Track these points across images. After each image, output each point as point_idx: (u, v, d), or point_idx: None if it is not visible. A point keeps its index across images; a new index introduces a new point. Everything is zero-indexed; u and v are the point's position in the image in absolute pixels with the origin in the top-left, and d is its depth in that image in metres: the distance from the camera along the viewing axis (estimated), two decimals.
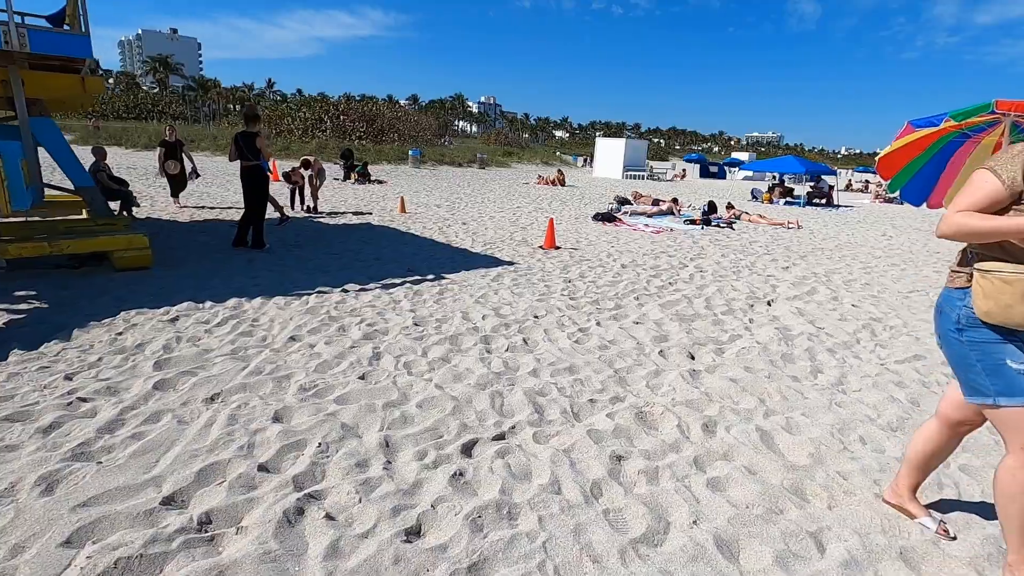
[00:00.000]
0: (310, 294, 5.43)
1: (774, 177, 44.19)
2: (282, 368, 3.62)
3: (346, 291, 5.63)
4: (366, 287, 5.82)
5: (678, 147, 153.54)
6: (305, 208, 11.69)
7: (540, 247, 8.71)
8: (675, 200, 14.72)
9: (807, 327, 5.04)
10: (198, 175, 11.42)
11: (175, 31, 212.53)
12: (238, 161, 7.25)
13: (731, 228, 12.30)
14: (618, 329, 4.75)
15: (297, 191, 11.81)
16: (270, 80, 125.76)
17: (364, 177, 20.77)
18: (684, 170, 44.31)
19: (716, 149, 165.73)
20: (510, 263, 7.41)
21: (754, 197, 21.50)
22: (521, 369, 3.80)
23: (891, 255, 9.67)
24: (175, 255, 6.93)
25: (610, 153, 36.44)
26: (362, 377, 3.55)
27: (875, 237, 12.10)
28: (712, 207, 14.29)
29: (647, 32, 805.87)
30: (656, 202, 16.45)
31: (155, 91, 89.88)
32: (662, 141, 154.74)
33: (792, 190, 22.18)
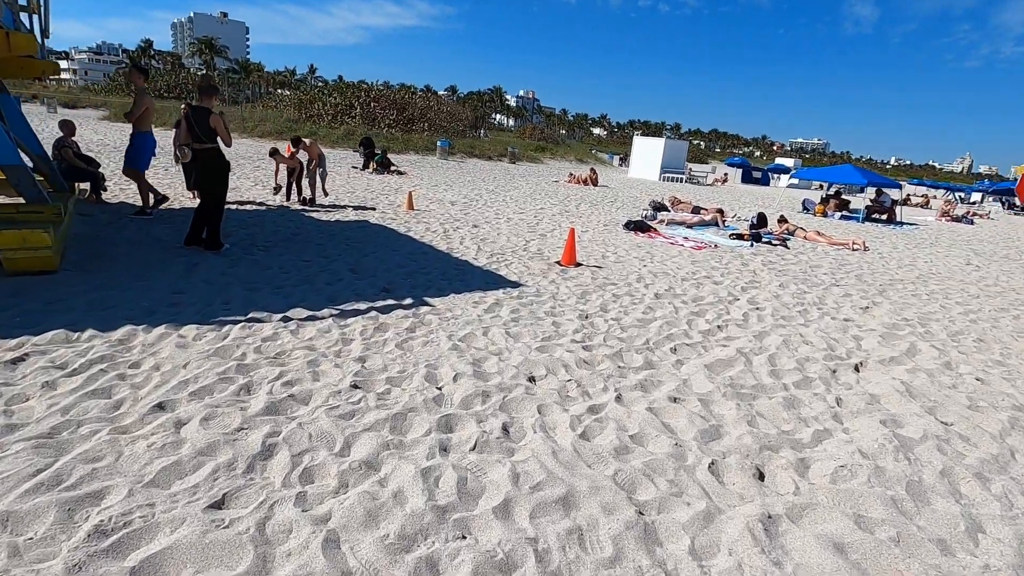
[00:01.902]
0: (236, 323, 4.09)
1: (821, 186, 41.61)
2: (100, 474, 2.26)
3: (287, 319, 4.27)
4: (317, 314, 4.45)
5: (718, 150, 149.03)
6: (301, 199, 10.43)
7: (557, 263, 7.23)
8: (720, 211, 12.99)
9: (927, 421, 3.45)
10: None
11: (225, 15, 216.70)
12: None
13: (785, 246, 10.57)
14: (646, 412, 3.25)
15: (294, 179, 10.54)
16: (312, 66, 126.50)
17: (383, 167, 19.57)
18: (726, 174, 42.02)
19: (758, 154, 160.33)
20: (515, 285, 5.95)
21: (805, 209, 19.48)
22: (484, 498, 2.35)
23: (991, 293, 7.85)
24: (107, 253, 5.70)
25: (648, 153, 34.54)
26: (218, 504, 2.16)
27: (959, 266, 10.21)
28: (762, 220, 12.52)
29: (693, 31, 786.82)
30: (696, 210, 14.74)
31: (202, 72, 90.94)
32: (702, 143, 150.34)
33: (848, 203, 20.06)
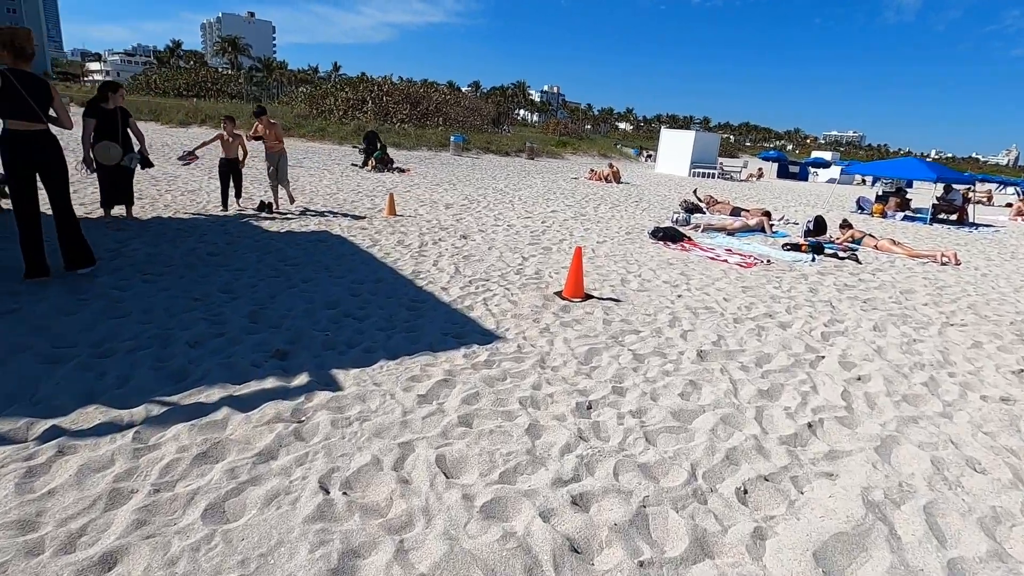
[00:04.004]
0: None
1: (863, 180, 38.41)
2: None
3: (52, 435, 2.42)
4: (120, 417, 2.59)
5: (748, 144, 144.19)
6: (257, 205, 8.61)
7: (558, 294, 5.27)
8: (767, 213, 10.81)
9: None
10: (149, 163, 7.19)
11: (252, 14, 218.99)
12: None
13: (855, 260, 8.39)
14: None
15: (232, 176, 8.31)
16: (335, 63, 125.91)
17: (383, 164, 17.81)
18: (760, 169, 39.17)
19: (790, 147, 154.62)
20: (487, 337, 4.02)
21: (860, 208, 17.02)
22: None
23: None
24: None
25: (676, 147, 32.10)
26: None
27: None
28: (820, 225, 10.32)
29: (725, 23, 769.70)
30: (737, 211, 12.57)
31: (228, 71, 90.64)
32: (731, 137, 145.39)
33: (910, 201, 17.54)
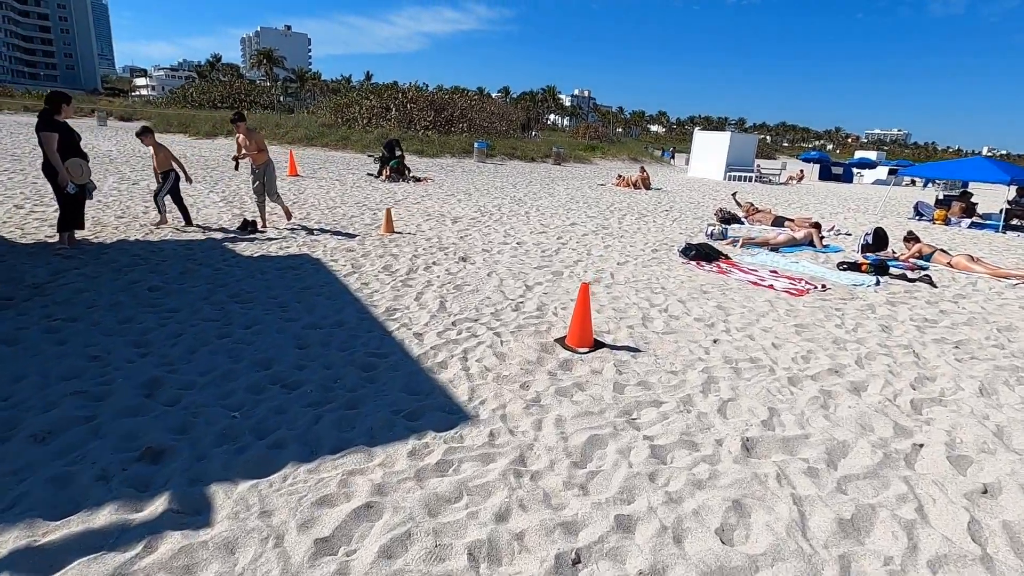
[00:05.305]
0: None
1: (913, 182, 35.89)
2: None
3: None
4: None
5: (786, 144, 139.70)
6: (239, 224, 7.77)
7: (559, 340, 4.19)
8: (817, 225, 9.45)
9: None
10: (91, 188, 6.17)
11: (289, 28, 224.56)
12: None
13: (930, 283, 7.03)
14: None
15: (169, 193, 7.52)
16: (368, 73, 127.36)
17: (399, 173, 17.01)
18: (801, 171, 37.06)
19: (830, 147, 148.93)
20: (452, 419, 2.97)
21: (919, 215, 15.33)
22: None
23: None
24: None
25: (711, 149, 30.47)
26: None
27: None
28: (881, 238, 8.93)
29: (761, 21, 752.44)
30: (780, 221, 11.23)
31: (264, 82, 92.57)
32: (768, 137, 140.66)
33: (976, 205, 15.75)
